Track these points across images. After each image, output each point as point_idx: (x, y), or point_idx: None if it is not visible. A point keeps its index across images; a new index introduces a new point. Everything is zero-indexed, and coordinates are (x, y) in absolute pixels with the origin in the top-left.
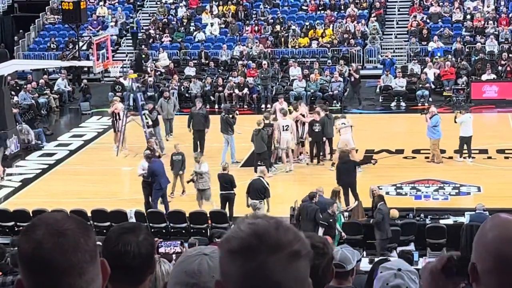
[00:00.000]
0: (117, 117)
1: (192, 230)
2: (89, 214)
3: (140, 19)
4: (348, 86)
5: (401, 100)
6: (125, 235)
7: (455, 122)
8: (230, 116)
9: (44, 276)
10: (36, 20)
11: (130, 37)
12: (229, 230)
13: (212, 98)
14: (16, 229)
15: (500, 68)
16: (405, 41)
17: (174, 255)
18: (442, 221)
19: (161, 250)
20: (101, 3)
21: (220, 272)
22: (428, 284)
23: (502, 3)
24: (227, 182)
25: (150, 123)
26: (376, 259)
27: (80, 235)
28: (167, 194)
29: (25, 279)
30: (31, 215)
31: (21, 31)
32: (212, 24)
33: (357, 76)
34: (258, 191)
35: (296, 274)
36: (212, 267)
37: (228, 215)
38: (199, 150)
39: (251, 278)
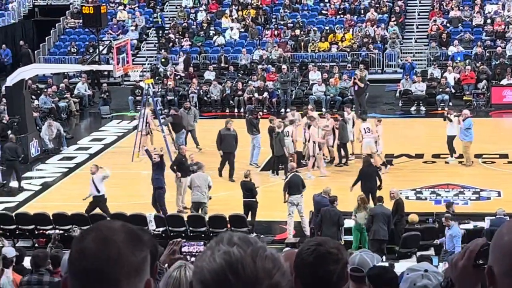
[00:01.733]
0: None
1: (211, 234)
2: (108, 218)
3: (165, 12)
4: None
5: (421, 105)
6: None
7: (451, 120)
8: (254, 117)
9: (83, 281)
10: (56, 24)
11: (155, 32)
12: (202, 255)
13: (231, 102)
14: (36, 232)
15: None
16: (425, 45)
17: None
18: (462, 226)
19: (184, 249)
20: (121, 7)
21: None
22: (459, 280)
23: None
24: (247, 190)
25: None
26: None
27: (126, 248)
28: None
29: (69, 280)
30: (51, 218)
31: (26, 44)
32: (231, 28)
33: (362, 85)
34: (298, 186)
35: None
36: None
37: (249, 220)
38: (228, 172)
39: None
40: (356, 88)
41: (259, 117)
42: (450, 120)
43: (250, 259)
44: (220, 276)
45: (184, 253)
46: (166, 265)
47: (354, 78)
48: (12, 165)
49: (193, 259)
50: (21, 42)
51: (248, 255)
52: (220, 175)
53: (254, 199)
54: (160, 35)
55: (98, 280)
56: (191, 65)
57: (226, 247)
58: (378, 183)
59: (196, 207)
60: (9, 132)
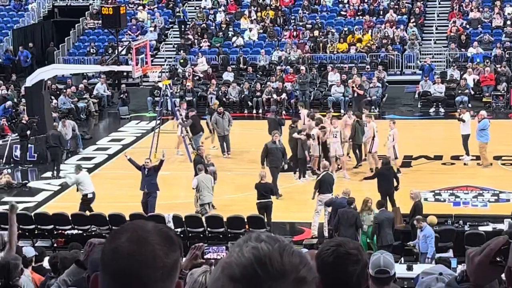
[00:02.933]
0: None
1: (229, 235)
2: (127, 218)
3: (187, 10)
4: (352, 101)
5: (440, 106)
6: None
7: (464, 121)
8: (281, 117)
9: (116, 281)
10: (76, 25)
11: (177, 27)
12: (230, 252)
13: (250, 103)
14: (55, 232)
15: None
16: (444, 46)
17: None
18: (481, 228)
19: (208, 256)
20: (141, 7)
21: None
22: (474, 275)
23: None
24: (267, 191)
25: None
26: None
27: (160, 251)
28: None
29: (100, 279)
30: (70, 218)
31: (53, 44)
32: (250, 29)
33: (362, 93)
34: (329, 185)
35: None
36: None
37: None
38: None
39: None
40: (355, 94)
41: (283, 117)
42: (463, 121)
43: (278, 254)
44: (249, 270)
45: (206, 259)
46: (188, 270)
47: (353, 87)
48: (55, 152)
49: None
50: (30, 44)
51: (275, 250)
52: (277, 195)
53: (271, 199)
54: (182, 30)
55: (133, 281)
56: (210, 65)
57: (254, 243)
58: (395, 184)
59: (205, 208)
60: (28, 132)
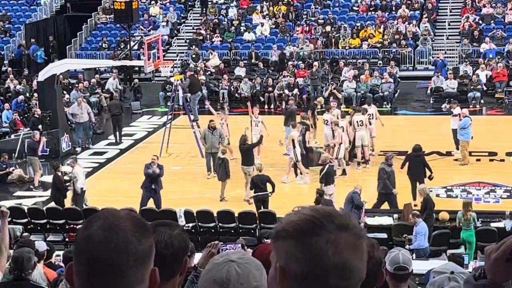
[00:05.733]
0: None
1: (241, 230)
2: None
3: (196, 8)
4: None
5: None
6: (161, 227)
7: (451, 113)
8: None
9: (89, 269)
10: (88, 20)
11: (199, 6)
12: (286, 219)
13: (261, 98)
14: (67, 227)
15: None
16: (456, 42)
17: None
18: (493, 224)
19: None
20: (153, 2)
21: (281, 258)
22: (491, 272)
23: None
24: (263, 184)
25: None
26: None
27: (133, 236)
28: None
29: (74, 267)
30: (82, 213)
31: (52, 38)
32: (262, 25)
33: (340, 96)
34: (333, 176)
35: (361, 253)
36: (240, 274)
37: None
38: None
39: (322, 256)
40: (331, 99)
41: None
42: (451, 113)
43: (337, 212)
44: (314, 222)
45: None
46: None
47: (332, 88)
48: (117, 119)
49: None
50: (33, 40)
51: (333, 210)
52: None
53: (267, 192)
54: (203, 10)
55: (105, 268)
56: (222, 60)
57: (309, 207)
58: (429, 173)
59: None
60: (40, 126)
